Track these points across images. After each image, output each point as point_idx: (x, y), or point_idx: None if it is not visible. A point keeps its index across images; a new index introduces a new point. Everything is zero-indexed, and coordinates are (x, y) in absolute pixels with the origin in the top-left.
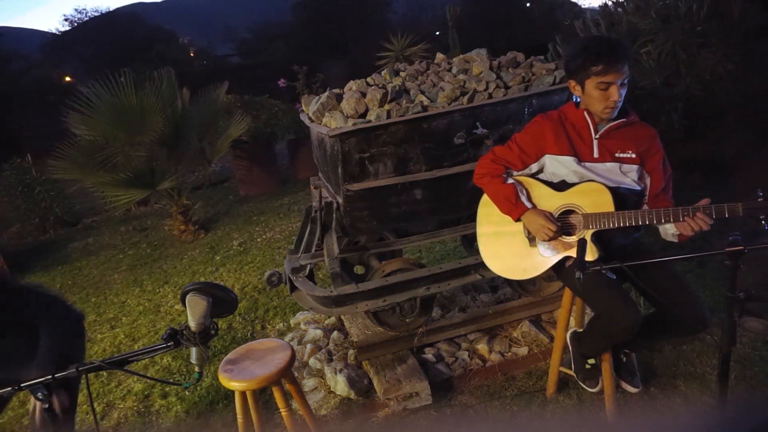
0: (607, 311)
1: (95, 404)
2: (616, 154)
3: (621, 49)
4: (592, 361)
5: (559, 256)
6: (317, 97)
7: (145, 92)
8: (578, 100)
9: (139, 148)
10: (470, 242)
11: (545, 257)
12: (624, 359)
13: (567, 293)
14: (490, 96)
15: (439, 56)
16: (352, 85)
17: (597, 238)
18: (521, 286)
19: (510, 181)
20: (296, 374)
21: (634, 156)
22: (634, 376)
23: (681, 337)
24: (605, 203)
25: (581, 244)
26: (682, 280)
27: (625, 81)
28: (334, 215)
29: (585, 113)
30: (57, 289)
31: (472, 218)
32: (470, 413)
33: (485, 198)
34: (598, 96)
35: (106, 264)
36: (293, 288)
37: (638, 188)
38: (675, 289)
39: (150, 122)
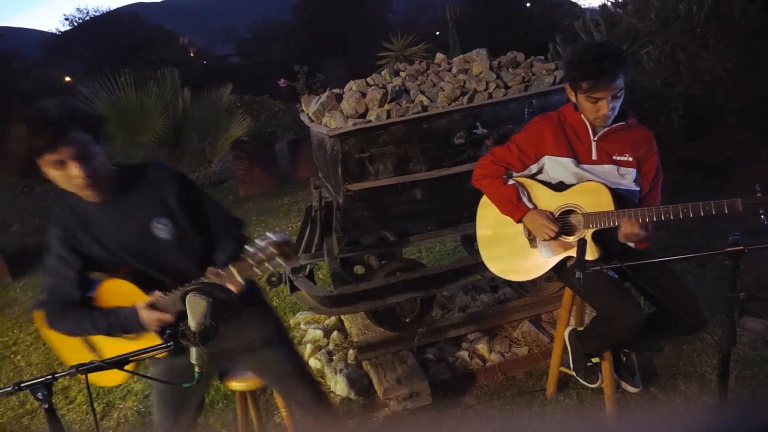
0: (611, 310)
1: (95, 404)
2: (614, 157)
3: (611, 64)
4: (595, 359)
5: (560, 257)
6: (317, 97)
7: (145, 92)
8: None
9: (139, 148)
10: (470, 242)
11: (546, 258)
12: (624, 359)
13: (567, 293)
14: (490, 96)
15: (439, 56)
16: (352, 85)
17: (597, 237)
18: (521, 286)
19: (511, 182)
20: None
21: (631, 159)
22: (634, 376)
23: (681, 336)
24: (605, 202)
25: (581, 244)
26: (682, 280)
27: (618, 94)
28: (334, 215)
29: (583, 116)
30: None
31: (472, 218)
32: (470, 413)
33: (484, 199)
34: (589, 108)
35: None
36: (293, 288)
37: (636, 189)
38: (675, 288)
39: (150, 122)
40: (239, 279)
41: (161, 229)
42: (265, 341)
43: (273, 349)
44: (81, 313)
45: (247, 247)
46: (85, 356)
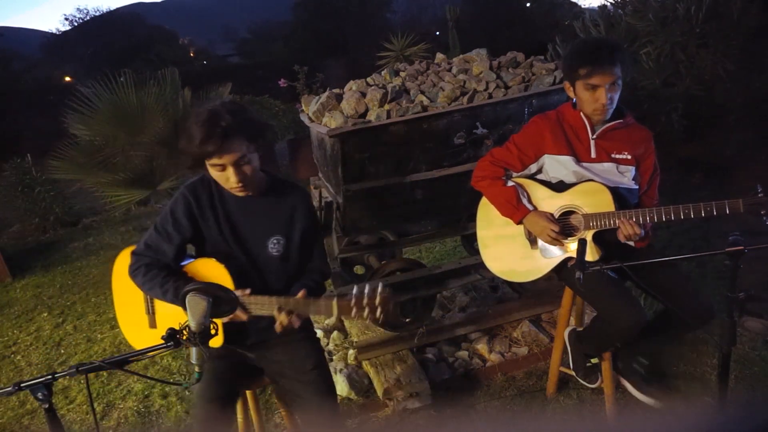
0: (611, 310)
1: (95, 404)
2: (613, 155)
3: (608, 51)
4: (594, 360)
5: (561, 257)
6: (317, 97)
7: (145, 92)
8: (576, 100)
9: (139, 148)
10: (470, 242)
11: (547, 259)
12: (636, 366)
13: (567, 293)
14: (490, 96)
15: (439, 56)
16: (352, 85)
17: (598, 237)
18: (521, 286)
19: (510, 183)
20: None
21: (629, 158)
22: (650, 385)
23: (685, 333)
24: (605, 203)
25: (581, 244)
26: (683, 276)
27: (617, 83)
28: (334, 215)
29: (581, 114)
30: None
31: (472, 218)
32: (470, 413)
33: (484, 200)
34: (587, 98)
35: (106, 264)
36: None
37: (636, 187)
38: (676, 287)
39: (150, 122)
40: (335, 314)
41: (276, 244)
42: (308, 366)
43: (309, 377)
44: (167, 278)
45: (356, 288)
46: (139, 313)
